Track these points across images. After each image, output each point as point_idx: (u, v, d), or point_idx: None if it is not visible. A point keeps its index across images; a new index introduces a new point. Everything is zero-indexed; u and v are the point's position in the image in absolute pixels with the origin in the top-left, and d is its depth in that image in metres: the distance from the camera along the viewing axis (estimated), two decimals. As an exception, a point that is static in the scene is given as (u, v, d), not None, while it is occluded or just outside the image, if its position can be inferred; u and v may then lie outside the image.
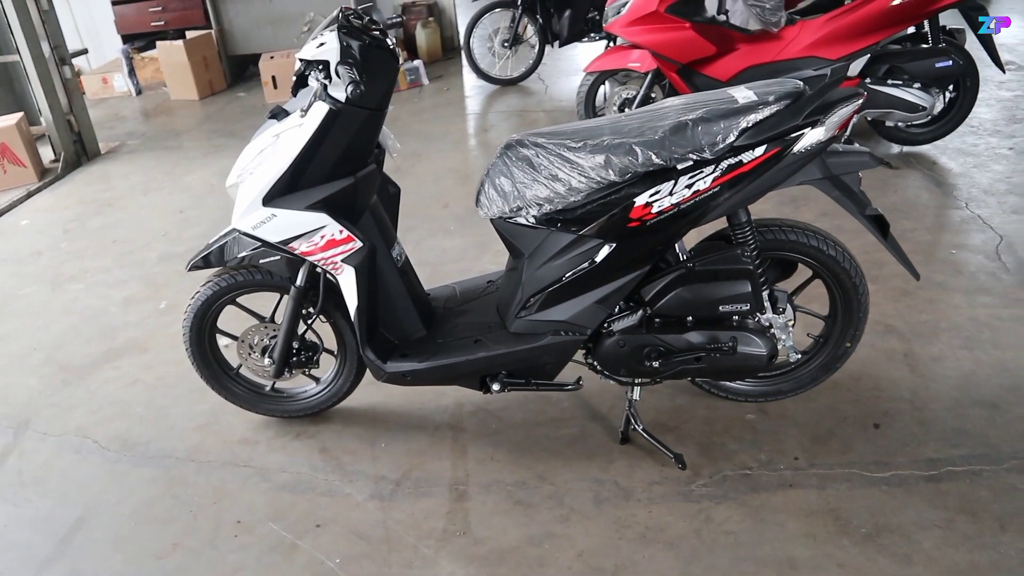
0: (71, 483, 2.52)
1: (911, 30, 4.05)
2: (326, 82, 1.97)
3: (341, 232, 2.14)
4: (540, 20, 5.87)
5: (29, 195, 5.03)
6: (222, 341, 2.60)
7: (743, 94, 2.03)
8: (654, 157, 1.96)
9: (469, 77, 6.39)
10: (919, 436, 2.36)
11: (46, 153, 5.47)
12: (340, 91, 2.03)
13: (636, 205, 2.01)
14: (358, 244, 2.16)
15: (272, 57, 6.43)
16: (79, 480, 2.53)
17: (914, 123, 4.11)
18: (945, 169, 4.10)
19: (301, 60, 2.01)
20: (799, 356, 2.37)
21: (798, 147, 1.98)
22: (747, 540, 2.07)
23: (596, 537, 2.12)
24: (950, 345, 2.74)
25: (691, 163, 1.98)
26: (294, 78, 2.03)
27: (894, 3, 3.77)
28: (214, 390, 2.62)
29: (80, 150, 5.53)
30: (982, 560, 1.96)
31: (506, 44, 5.98)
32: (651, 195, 2.00)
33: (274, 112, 2.18)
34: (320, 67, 1.97)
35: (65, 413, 2.87)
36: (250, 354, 2.54)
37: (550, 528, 2.16)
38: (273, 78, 6.34)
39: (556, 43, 5.99)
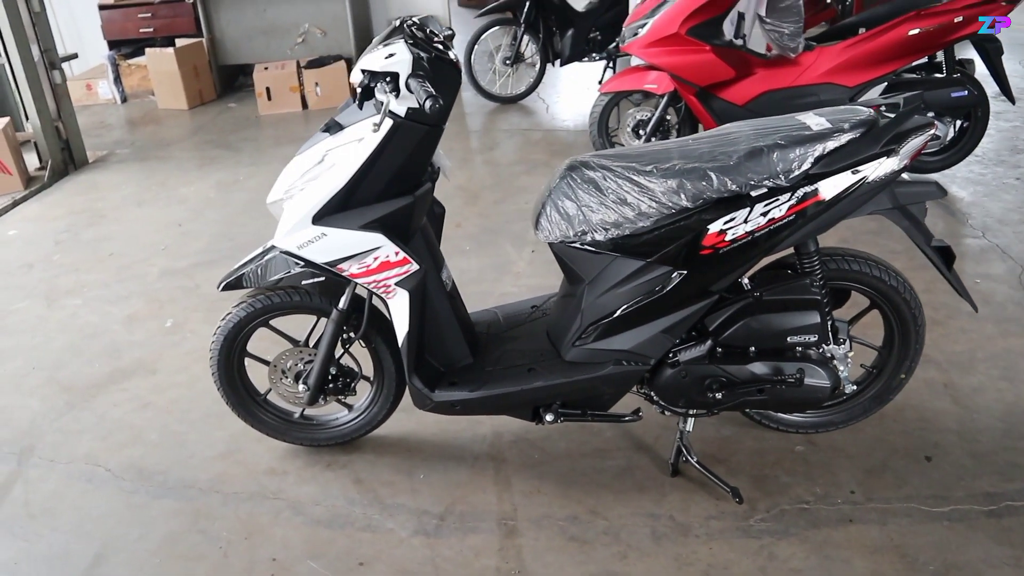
0: (85, 516, 2.38)
1: (925, 59, 4.07)
2: (393, 95, 1.88)
3: (397, 254, 2.05)
4: (542, 39, 5.83)
5: (15, 204, 4.84)
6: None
7: (815, 121, 1.98)
8: (729, 183, 1.91)
9: (468, 94, 6.32)
10: (973, 469, 2.33)
11: (31, 160, 5.27)
12: (401, 105, 1.94)
13: (710, 232, 1.94)
14: (414, 267, 2.07)
15: (266, 68, 6.31)
16: (93, 512, 2.39)
17: (926, 152, 4.13)
18: (956, 198, 4.12)
19: (365, 71, 1.92)
20: (854, 387, 2.32)
21: (872, 176, 1.94)
22: (815, 579, 2.01)
23: (657, 575, 2.04)
24: (989, 376, 2.72)
25: (766, 190, 1.92)
26: (359, 90, 1.93)
27: (912, 33, 3.79)
28: (240, 416, 2.49)
29: (68, 158, 5.34)
30: (1056, 600, 1.92)
31: (507, 62, 5.93)
32: (725, 222, 1.94)
33: (328, 126, 2.08)
34: (388, 79, 1.88)
35: (72, 438, 2.72)
36: (282, 380, 2.42)
37: (609, 566, 2.08)
38: (267, 89, 6.22)
39: (557, 62, 5.96)
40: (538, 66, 6.00)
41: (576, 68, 6.43)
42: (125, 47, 7.05)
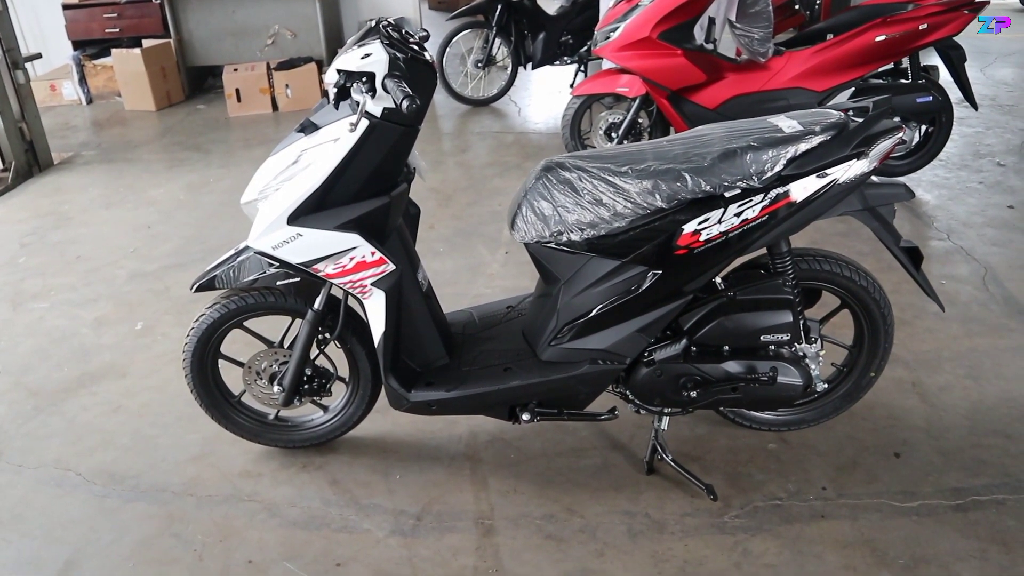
0: (55, 521, 2.34)
1: (891, 65, 4.15)
2: (369, 96, 1.88)
3: (373, 254, 2.04)
4: (513, 42, 5.85)
5: (-22, 207, 4.74)
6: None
7: (787, 123, 2.02)
8: (703, 184, 1.93)
9: (440, 97, 6.31)
10: (940, 466, 2.37)
11: (-6, 162, 5.18)
12: (377, 106, 1.94)
13: (684, 232, 1.97)
14: (390, 267, 2.07)
15: (236, 69, 6.25)
16: (64, 517, 2.35)
17: (892, 155, 4.20)
18: (922, 201, 4.20)
19: (341, 71, 1.91)
20: (825, 386, 2.36)
21: (843, 178, 1.98)
22: (788, 573, 2.04)
23: (634, 572, 2.06)
24: (955, 375, 2.78)
25: (739, 191, 1.95)
26: (334, 90, 1.93)
27: (878, 39, 3.86)
28: (214, 419, 2.47)
29: (32, 160, 5.25)
30: (1021, 592, 1.97)
31: (479, 65, 5.94)
32: (700, 223, 1.96)
33: (303, 126, 2.07)
34: (364, 80, 1.88)
35: (40, 443, 2.67)
36: (256, 381, 2.40)
37: (586, 564, 2.09)
38: (237, 91, 6.16)
39: (529, 65, 5.98)
40: (510, 69, 6.02)
41: (548, 71, 6.46)
42: (90, 47, 6.94)
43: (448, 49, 5.88)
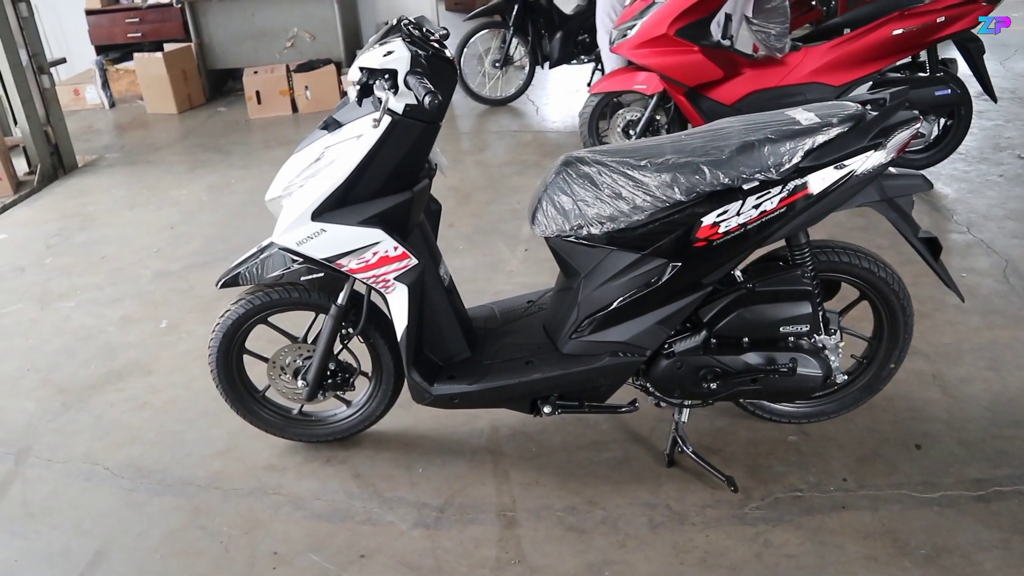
0: (84, 514, 2.39)
1: (909, 59, 4.14)
2: (391, 93, 1.91)
3: (396, 249, 2.07)
4: (530, 41, 5.87)
5: (4, 208, 4.83)
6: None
7: (804, 116, 2.03)
8: (722, 177, 1.95)
9: (458, 97, 6.34)
10: (961, 457, 2.37)
11: (20, 165, 5.26)
12: (399, 102, 1.97)
13: (703, 225, 1.98)
14: (413, 261, 2.09)
15: (256, 72, 6.32)
16: (93, 510, 2.40)
17: (911, 149, 4.19)
18: (941, 194, 4.18)
19: (364, 69, 1.95)
20: (845, 377, 2.36)
21: (861, 169, 1.99)
22: (809, 563, 2.05)
23: (656, 563, 2.07)
24: (976, 367, 2.77)
25: (757, 183, 1.96)
26: (357, 87, 1.96)
27: (895, 33, 3.85)
28: (239, 414, 2.51)
29: (57, 162, 5.33)
30: (1043, 582, 1.97)
31: (497, 64, 5.97)
32: (718, 215, 1.97)
33: (326, 123, 2.11)
34: (386, 77, 1.91)
35: (69, 439, 2.73)
36: (281, 376, 2.44)
37: (608, 555, 2.11)
38: (257, 93, 6.23)
39: (546, 64, 6.00)
40: (527, 68, 6.04)
41: (565, 70, 6.47)
42: (113, 52, 7.03)
43: (466, 49, 5.90)
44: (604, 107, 4.40)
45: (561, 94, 6.54)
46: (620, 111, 4.37)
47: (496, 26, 5.89)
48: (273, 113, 6.38)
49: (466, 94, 6.10)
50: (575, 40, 5.82)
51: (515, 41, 5.90)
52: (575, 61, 5.97)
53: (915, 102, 3.93)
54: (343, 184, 2.03)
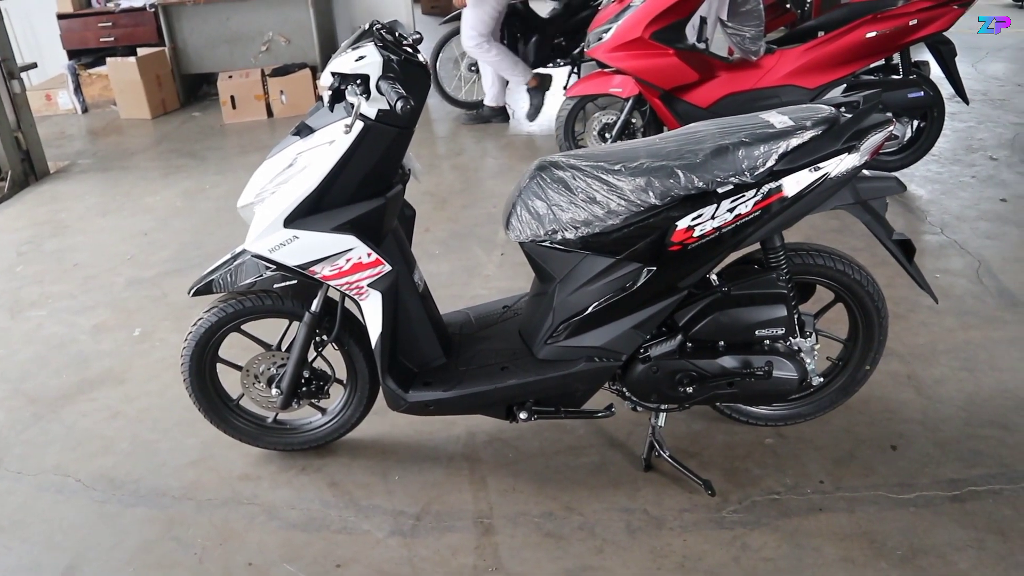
0: (55, 527, 2.34)
1: (882, 61, 4.17)
2: (363, 98, 1.89)
3: (369, 255, 2.06)
4: (507, 45, 5.85)
5: (-26, 217, 4.75)
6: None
7: (778, 119, 2.03)
8: (696, 180, 1.95)
9: (434, 100, 6.33)
10: (936, 457, 2.39)
11: (-10, 172, 5.19)
12: (372, 107, 1.95)
13: (678, 229, 1.98)
14: (386, 268, 2.08)
15: (230, 76, 6.26)
16: (64, 523, 2.36)
17: (885, 151, 4.23)
18: (915, 196, 4.22)
19: (335, 74, 1.93)
20: (821, 379, 2.37)
21: (835, 172, 1.99)
22: (787, 567, 2.05)
23: (634, 568, 2.07)
24: (951, 367, 2.79)
25: (732, 187, 1.97)
26: (329, 92, 1.94)
27: (869, 35, 3.88)
28: (212, 423, 2.47)
29: (28, 169, 5.26)
30: (1018, 580, 1.98)
31: (472, 68, 5.94)
32: (693, 219, 1.97)
33: (298, 129, 2.09)
34: (359, 82, 1.89)
35: (40, 450, 2.68)
36: (255, 384, 2.41)
37: (585, 560, 2.10)
38: (232, 98, 6.17)
39: (522, 68, 5.98)
40: (503, 72, 6.02)
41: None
42: (85, 57, 6.95)
43: (441, 53, 5.89)
44: (580, 110, 4.40)
45: (538, 97, 6.53)
46: (596, 115, 4.38)
47: (473, 30, 5.87)
48: (248, 118, 6.33)
49: (442, 98, 6.09)
50: (551, 44, 5.81)
51: (491, 45, 5.88)
52: (551, 64, 5.96)
53: (888, 104, 3.96)
54: (315, 190, 2.02)
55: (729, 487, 2.31)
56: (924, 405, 2.61)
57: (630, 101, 4.18)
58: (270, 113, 6.41)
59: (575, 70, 5.97)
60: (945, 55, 4.08)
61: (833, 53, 3.97)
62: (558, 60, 5.94)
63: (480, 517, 2.26)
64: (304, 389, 2.40)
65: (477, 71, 5.97)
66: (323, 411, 2.53)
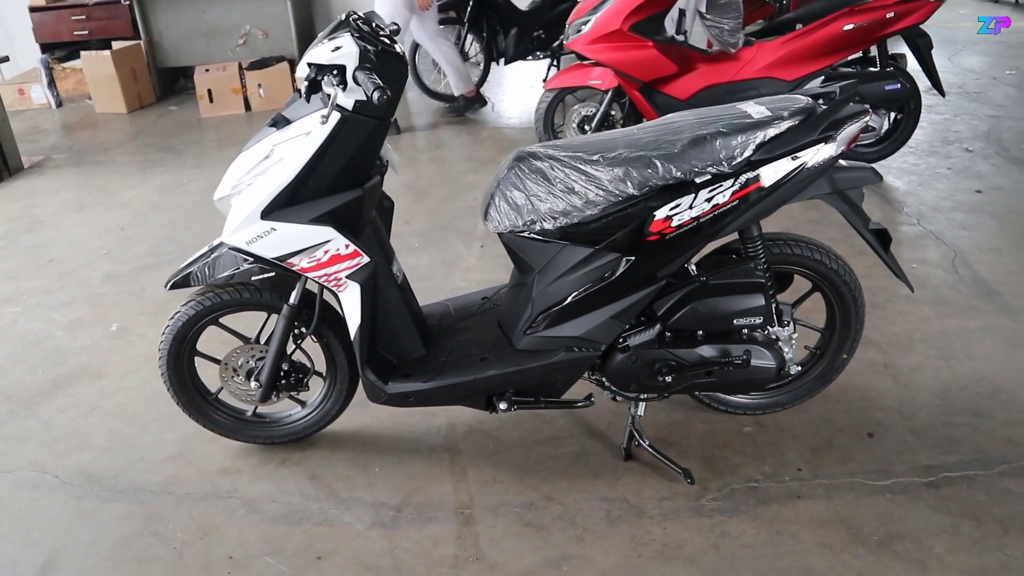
0: (32, 523, 2.32)
1: (860, 54, 4.21)
2: (340, 88, 1.88)
3: (347, 247, 2.05)
4: (485, 37, 5.85)
5: (-53, 212, 4.68)
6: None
7: (756, 109, 2.04)
8: (674, 170, 1.95)
9: (413, 94, 6.32)
10: (912, 444, 2.41)
11: (-38, 168, 5.12)
12: (349, 98, 1.94)
13: (656, 218, 1.99)
14: (365, 259, 2.07)
15: (207, 70, 6.21)
16: (41, 520, 2.33)
17: (862, 143, 4.26)
18: (892, 187, 4.26)
19: (312, 65, 1.92)
20: (799, 368, 2.39)
21: (811, 162, 2.01)
22: (765, 553, 2.07)
23: (614, 557, 2.08)
24: (927, 356, 2.82)
25: (710, 177, 1.97)
26: (305, 83, 1.93)
27: (846, 28, 3.91)
28: (191, 417, 2.46)
29: (1, 164, 5.19)
30: (992, 563, 2.01)
31: (451, 61, 5.93)
32: (671, 209, 1.98)
33: (274, 120, 2.07)
34: (335, 72, 1.88)
35: (16, 447, 2.65)
36: (233, 377, 2.40)
37: (566, 550, 2.11)
38: (209, 91, 6.13)
39: (501, 60, 5.98)
40: (482, 65, 6.02)
41: (521, 66, 6.48)
42: (59, 50, 6.86)
43: (420, 46, 5.86)
44: (559, 102, 4.40)
45: (517, 90, 6.54)
46: (575, 107, 4.38)
47: (451, 22, 5.86)
48: (226, 112, 6.28)
49: (421, 91, 6.07)
50: (530, 36, 5.81)
51: (470, 37, 5.88)
52: (531, 57, 5.97)
53: (866, 96, 3.98)
54: (292, 182, 2.00)
55: (708, 475, 2.32)
56: (900, 393, 2.64)
57: (609, 93, 4.18)
58: (248, 107, 6.36)
59: (555, 63, 5.97)
60: (922, 48, 4.12)
61: (811, 45, 4.00)
62: (537, 53, 5.94)
63: (461, 508, 2.26)
64: (283, 382, 2.38)
65: (455, 64, 5.96)
66: (303, 404, 2.52)
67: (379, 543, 2.16)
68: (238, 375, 2.39)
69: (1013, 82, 5.81)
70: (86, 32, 6.63)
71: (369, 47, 1.92)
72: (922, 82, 4.18)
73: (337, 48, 1.89)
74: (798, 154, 1.99)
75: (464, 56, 5.94)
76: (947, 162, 4.54)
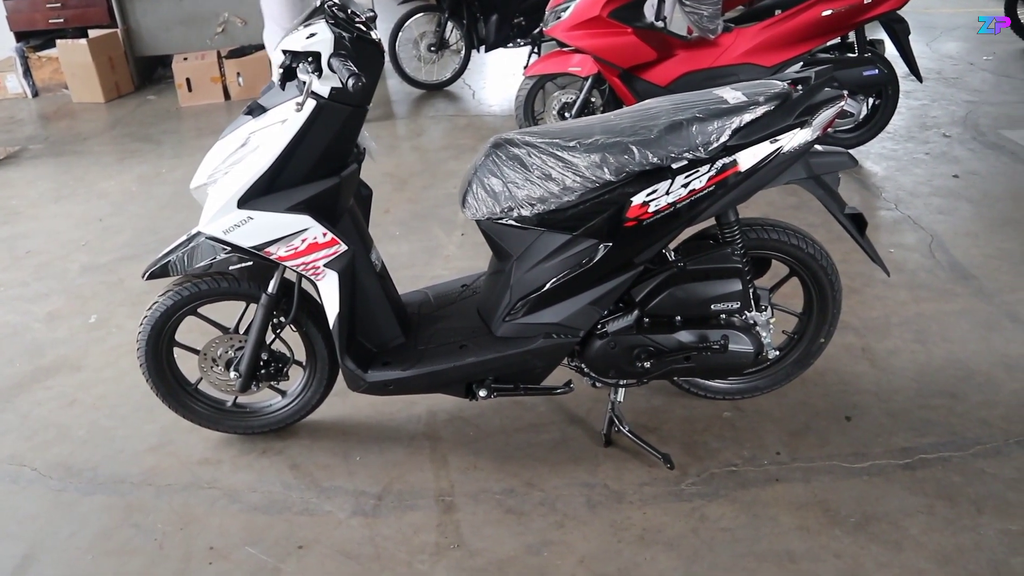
0: (10, 517, 2.31)
1: (838, 40, 4.22)
2: (315, 76, 1.87)
3: (325, 235, 2.04)
4: (466, 25, 5.82)
5: (-79, 204, 4.62)
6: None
7: (732, 95, 2.05)
8: (651, 156, 1.96)
9: (393, 81, 6.28)
10: (889, 427, 2.44)
11: (-63, 159, 5.05)
12: (325, 86, 1.93)
13: (633, 204, 1.99)
14: (343, 247, 2.06)
15: (185, 59, 6.15)
16: (20, 513, 2.32)
17: (841, 128, 4.29)
18: (871, 172, 4.28)
19: (287, 52, 1.90)
20: (777, 353, 2.40)
21: (787, 147, 2.02)
22: (744, 536, 2.09)
23: (594, 542, 2.09)
24: (903, 339, 2.85)
25: (686, 163, 1.98)
26: (280, 71, 1.92)
27: (824, 14, 3.92)
28: (171, 408, 2.45)
29: (-24, 156, 5.13)
30: (966, 542, 2.04)
31: (432, 48, 5.90)
32: (648, 194, 1.99)
33: (250, 108, 2.06)
34: (310, 59, 1.87)
35: (-6, 440, 2.64)
36: (213, 368, 2.39)
37: (546, 535, 2.12)
38: (188, 80, 6.06)
39: (482, 48, 5.96)
40: (463, 52, 5.99)
41: (502, 54, 6.45)
42: (34, 39, 6.76)
43: (400, 33, 5.83)
44: (539, 90, 4.39)
45: (498, 77, 6.51)
46: (555, 94, 4.37)
47: (431, 9, 5.83)
48: (204, 101, 6.22)
49: (402, 79, 6.04)
50: (511, 23, 5.78)
51: (450, 25, 5.84)
52: (511, 44, 5.94)
53: (844, 82, 4.01)
54: (269, 170, 1.99)
55: (688, 460, 2.34)
56: (877, 376, 2.66)
57: (589, 80, 4.18)
58: (227, 95, 6.30)
59: (535, 50, 5.94)
60: (899, 33, 4.13)
61: (790, 31, 4.01)
62: (518, 40, 5.92)
63: (442, 495, 2.27)
64: (263, 372, 2.38)
65: (437, 51, 5.94)
66: (283, 393, 2.52)
67: (360, 531, 2.17)
68: (217, 365, 2.38)
69: (990, 67, 5.85)
70: (62, 20, 6.53)
71: (344, 34, 1.91)
72: (900, 68, 4.20)
73: (312, 35, 1.88)
74: (774, 139, 2.00)
75: (444, 44, 5.92)
76: (925, 147, 4.57)
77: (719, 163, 1.99)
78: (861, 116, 4.23)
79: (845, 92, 2.11)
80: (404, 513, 2.22)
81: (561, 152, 2.00)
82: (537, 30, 5.80)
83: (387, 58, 6.04)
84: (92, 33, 6.36)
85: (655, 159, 1.96)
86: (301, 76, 1.89)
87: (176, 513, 2.28)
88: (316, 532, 2.18)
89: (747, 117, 1.98)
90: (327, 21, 1.92)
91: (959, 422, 2.45)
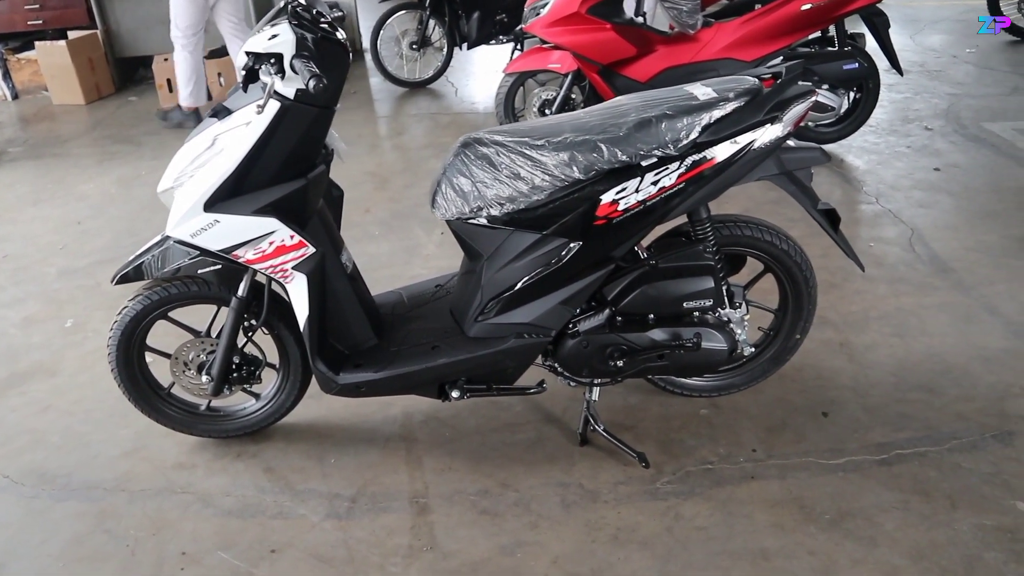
0: (-19, 524, 2.29)
1: (819, 34, 4.21)
2: (278, 77, 1.85)
3: (292, 237, 2.02)
4: (448, 22, 5.80)
5: (-102, 209, 4.58)
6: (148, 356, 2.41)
7: (702, 91, 2.03)
8: (619, 154, 1.94)
9: (376, 80, 6.26)
10: (866, 422, 2.44)
11: (-86, 163, 5.00)
12: (290, 87, 1.91)
13: (603, 203, 1.98)
14: (310, 250, 2.05)
15: (166, 59, 6.08)
16: (-9, 521, 2.30)
17: (822, 122, 4.28)
18: (852, 166, 4.28)
19: (250, 54, 1.88)
20: (752, 349, 2.40)
21: (758, 143, 2.00)
22: (718, 534, 2.08)
23: (568, 542, 2.08)
24: (882, 333, 2.84)
25: (656, 160, 1.97)
26: (242, 73, 1.90)
27: (804, 8, 3.91)
28: (144, 413, 2.43)
29: (-46, 159, 5.08)
30: (940, 537, 2.03)
31: (414, 46, 5.88)
32: (617, 192, 1.97)
33: (215, 110, 2.04)
34: (272, 61, 1.85)
35: (-34, 447, 2.61)
36: (185, 372, 2.37)
37: (520, 536, 2.11)
38: (168, 81, 6.01)
39: (464, 45, 5.94)
40: (445, 50, 5.97)
41: (484, 51, 6.43)
42: (12, 41, 6.71)
43: (382, 31, 5.80)
44: (519, 87, 4.37)
45: (480, 75, 6.49)
46: (536, 91, 4.36)
47: (413, 7, 5.80)
48: (187, 101, 6.16)
49: (384, 77, 6.01)
50: (493, 20, 5.77)
51: (432, 22, 5.83)
52: (494, 41, 5.92)
53: (824, 76, 4.01)
54: (234, 173, 1.97)
55: (664, 458, 2.33)
56: (855, 371, 2.66)
57: (569, 77, 4.17)
58: (209, 96, 6.25)
59: (518, 47, 5.93)
60: (879, 27, 4.13)
61: (769, 26, 4.00)
62: (501, 37, 5.90)
63: (416, 497, 2.26)
64: (235, 375, 2.36)
65: (419, 49, 5.91)
66: (257, 396, 2.50)
67: (333, 535, 2.15)
68: (189, 369, 2.36)
69: (973, 60, 5.85)
70: (40, 22, 6.47)
71: (308, 35, 1.89)
72: (881, 61, 4.19)
73: (274, 36, 1.86)
74: (744, 135, 1.98)
75: (426, 42, 5.89)
76: (907, 140, 4.57)
77: (689, 160, 1.97)
78: (842, 110, 4.22)
79: (815, 87, 2.10)
80: (378, 515, 2.20)
81: (530, 151, 1.98)
82: (520, 27, 5.78)
83: (368, 56, 6.03)
84: (72, 34, 6.30)
85: (624, 157, 1.94)
86: (263, 78, 1.87)
87: (149, 518, 2.26)
88: (289, 536, 2.16)
89: (717, 113, 1.97)
90: (290, 22, 1.90)
91: (936, 416, 2.44)
